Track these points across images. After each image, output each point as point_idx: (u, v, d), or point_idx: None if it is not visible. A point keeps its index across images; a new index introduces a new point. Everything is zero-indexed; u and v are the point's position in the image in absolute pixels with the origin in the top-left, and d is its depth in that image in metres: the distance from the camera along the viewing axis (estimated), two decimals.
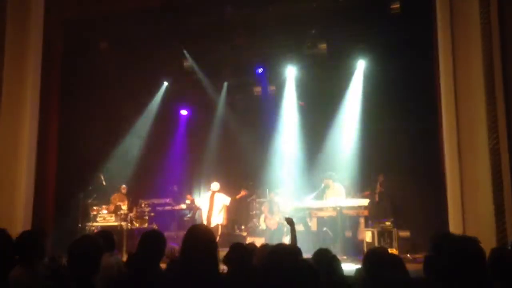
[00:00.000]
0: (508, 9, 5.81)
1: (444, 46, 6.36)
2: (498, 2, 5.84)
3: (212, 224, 9.37)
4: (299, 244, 4.17)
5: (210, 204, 9.56)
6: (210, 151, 11.82)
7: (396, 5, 8.53)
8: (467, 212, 5.73)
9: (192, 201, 10.28)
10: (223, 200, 9.65)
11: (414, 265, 5.84)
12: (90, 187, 9.32)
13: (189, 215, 10.71)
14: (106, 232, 4.62)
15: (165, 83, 11.55)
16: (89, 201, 9.25)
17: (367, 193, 9.44)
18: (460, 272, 2.24)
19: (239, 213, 10.87)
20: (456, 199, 5.91)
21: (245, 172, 11.48)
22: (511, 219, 5.38)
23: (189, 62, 10.72)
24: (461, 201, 5.83)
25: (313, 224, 9.66)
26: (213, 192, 9.59)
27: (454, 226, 5.80)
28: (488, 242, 3.80)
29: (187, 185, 11.53)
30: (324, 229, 9.41)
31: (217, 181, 9.82)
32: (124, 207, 9.43)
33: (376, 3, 8.89)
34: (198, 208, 10.27)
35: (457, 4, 6.30)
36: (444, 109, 6.35)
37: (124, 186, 9.86)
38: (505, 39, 5.79)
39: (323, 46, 9.87)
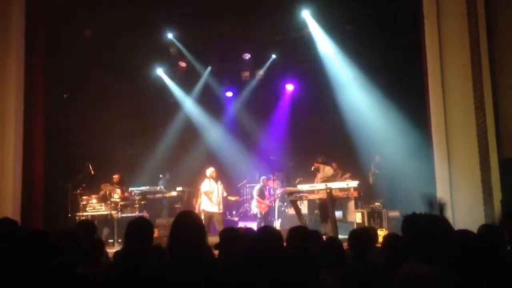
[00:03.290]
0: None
1: (431, 32, 6.39)
2: None
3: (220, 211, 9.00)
4: (289, 226, 4.19)
5: (217, 191, 9.01)
6: (201, 138, 11.85)
7: None
8: (455, 191, 5.80)
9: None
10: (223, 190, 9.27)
11: None
12: (78, 177, 9.23)
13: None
14: (86, 223, 4.56)
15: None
16: (78, 191, 9.18)
17: (346, 175, 9.51)
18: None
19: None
20: (444, 179, 5.98)
21: (234, 159, 11.50)
22: (498, 197, 5.46)
23: (176, 48, 10.63)
24: (449, 180, 5.90)
25: (304, 207, 9.73)
26: (217, 178, 9.12)
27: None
28: (475, 221, 3.87)
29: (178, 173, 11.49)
30: (316, 211, 9.49)
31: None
32: (116, 195, 9.38)
33: None
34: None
35: None
36: (431, 91, 6.39)
37: (116, 175, 9.77)
38: (490, 23, 5.81)
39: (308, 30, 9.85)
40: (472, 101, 5.82)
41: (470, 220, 3.70)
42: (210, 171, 9.13)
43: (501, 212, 4.79)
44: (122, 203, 9.38)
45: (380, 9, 8.94)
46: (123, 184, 9.85)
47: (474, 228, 3.20)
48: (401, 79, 9.41)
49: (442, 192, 5.95)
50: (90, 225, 4.40)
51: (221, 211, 9.12)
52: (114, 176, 9.74)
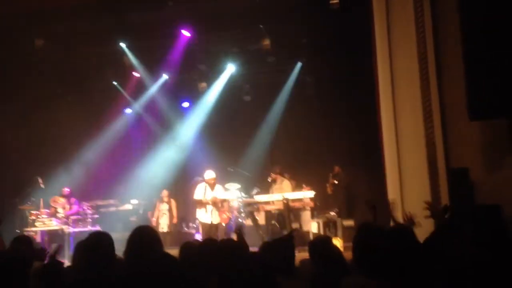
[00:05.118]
0: (439, 2, 6.08)
1: (381, 42, 6.59)
2: None
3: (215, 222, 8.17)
4: (248, 238, 4.15)
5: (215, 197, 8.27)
6: (157, 150, 11.67)
7: (336, 1, 8.69)
8: (406, 199, 5.97)
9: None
10: (222, 194, 8.57)
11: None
12: (27, 191, 8.85)
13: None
14: (22, 239, 4.31)
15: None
16: (26, 205, 8.80)
17: (306, 188, 9.63)
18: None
19: (188, 209, 10.73)
20: (395, 188, 6.14)
21: (194, 169, 11.37)
22: (446, 203, 5.65)
23: (129, 59, 10.45)
24: (400, 188, 6.07)
25: (261, 218, 9.74)
26: (214, 183, 8.27)
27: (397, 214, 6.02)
28: (425, 227, 3.98)
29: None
30: (273, 222, 9.51)
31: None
32: (61, 210, 9.03)
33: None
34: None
35: (392, 0, 6.53)
36: (382, 103, 6.58)
37: (66, 188, 9.45)
38: (438, 33, 6.06)
39: (266, 42, 9.94)
40: (421, 112, 6.02)
41: (420, 228, 3.81)
42: (208, 175, 8.26)
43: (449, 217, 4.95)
44: (74, 217, 9.06)
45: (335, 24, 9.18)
46: (71, 197, 9.52)
47: (421, 237, 3.30)
48: (353, 90, 9.67)
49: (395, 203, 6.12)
50: (27, 240, 4.18)
51: (217, 223, 8.26)
52: (63, 189, 9.42)
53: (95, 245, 2.94)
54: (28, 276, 2.97)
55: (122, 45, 10.20)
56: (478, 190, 5.39)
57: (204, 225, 8.25)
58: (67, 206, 9.19)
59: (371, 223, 3.29)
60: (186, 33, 9.85)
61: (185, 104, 12.21)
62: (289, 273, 3.12)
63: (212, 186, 8.31)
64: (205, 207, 8.21)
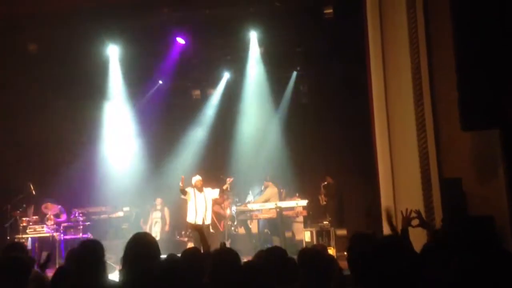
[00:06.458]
0: (432, 13, 6.13)
1: (375, 52, 6.62)
2: (423, 7, 6.15)
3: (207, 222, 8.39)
4: (241, 246, 4.14)
5: (203, 200, 8.47)
6: (150, 157, 11.59)
7: (329, 10, 8.74)
8: (399, 209, 5.96)
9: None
10: (213, 194, 8.71)
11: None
12: (18, 197, 8.76)
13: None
14: (15, 246, 4.29)
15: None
16: (18, 211, 8.71)
17: (296, 196, 9.63)
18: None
19: (180, 217, 10.67)
20: (388, 198, 6.15)
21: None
22: (439, 214, 5.67)
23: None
24: (393, 200, 6.07)
25: (254, 226, 9.73)
26: (202, 186, 8.53)
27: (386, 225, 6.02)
28: (419, 238, 3.98)
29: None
30: (265, 230, 9.50)
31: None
32: (52, 217, 8.94)
33: (310, 8, 9.07)
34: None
35: (386, 12, 6.58)
36: (375, 112, 6.60)
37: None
38: (431, 43, 6.10)
39: (260, 49, 9.99)
40: (414, 123, 6.05)
41: (413, 238, 3.81)
42: (195, 179, 8.55)
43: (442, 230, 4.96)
44: (65, 224, 8.99)
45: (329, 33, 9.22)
46: (63, 204, 9.42)
47: (417, 246, 3.30)
48: (347, 99, 9.70)
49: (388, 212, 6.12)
50: (20, 246, 4.17)
51: (208, 223, 8.48)
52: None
53: (86, 253, 2.93)
54: (28, 282, 2.97)
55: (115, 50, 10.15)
56: (471, 201, 5.40)
57: (190, 226, 8.45)
58: (59, 213, 9.10)
59: (364, 232, 3.27)
60: (181, 40, 9.86)
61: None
62: (286, 282, 3.11)
63: (200, 189, 8.48)
64: (196, 209, 8.35)
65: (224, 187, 8.68)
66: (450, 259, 3.05)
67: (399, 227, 4.16)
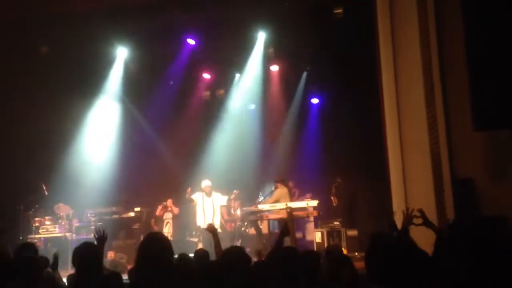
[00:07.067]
0: (444, 12, 6.08)
1: (385, 51, 6.59)
2: (434, 4, 6.10)
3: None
4: (251, 247, 4.14)
5: (211, 205, 8.54)
6: (159, 157, 11.62)
7: (339, 10, 8.72)
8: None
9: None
10: (221, 200, 8.82)
11: (361, 264, 5.96)
12: (31, 198, 8.85)
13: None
14: (27, 246, 4.34)
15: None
16: (30, 212, 8.80)
17: (308, 195, 9.62)
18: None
19: (188, 218, 10.68)
20: (400, 199, 6.11)
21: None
22: (452, 215, 5.62)
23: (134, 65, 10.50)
24: (405, 199, 6.04)
25: (264, 227, 9.71)
26: (210, 191, 8.53)
27: (399, 224, 5.98)
28: (430, 239, 3.95)
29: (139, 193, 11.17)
30: (276, 231, 9.48)
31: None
32: (65, 217, 9.01)
33: (320, 8, 9.05)
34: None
35: (396, 10, 6.54)
36: (386, 112, 6.57)
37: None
38: (442, 43, 6.06)
39: (270, 50, 10.01)
40: (426, 123, 6.00)
41: (424, 240, 3.78)
42: (204, 184, 8.55)
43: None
44: (77, 224, 9.07)
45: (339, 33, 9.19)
46: (75, 204, 9.48)
47: (427, 248, 3.27)
48: (358, 99, 9.65)
49: (398, 213, 6.08)
50: (32, 247, 4.22)
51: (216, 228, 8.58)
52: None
53: (79, 259, 2.99)
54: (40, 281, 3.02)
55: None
56: (483, 201, 5.36)
57: (201, 230, 8.43)
58: (71, 217, 9.16)
59: (383, 233, 3.25)
60: (191, 41, 9.90)
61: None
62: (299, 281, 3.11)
63: (208, 194, 8.53)
64: (204, 213, 8.40)
65: (232, 197, 9.09)
66: (458, 259, 3.03)
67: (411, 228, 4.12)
